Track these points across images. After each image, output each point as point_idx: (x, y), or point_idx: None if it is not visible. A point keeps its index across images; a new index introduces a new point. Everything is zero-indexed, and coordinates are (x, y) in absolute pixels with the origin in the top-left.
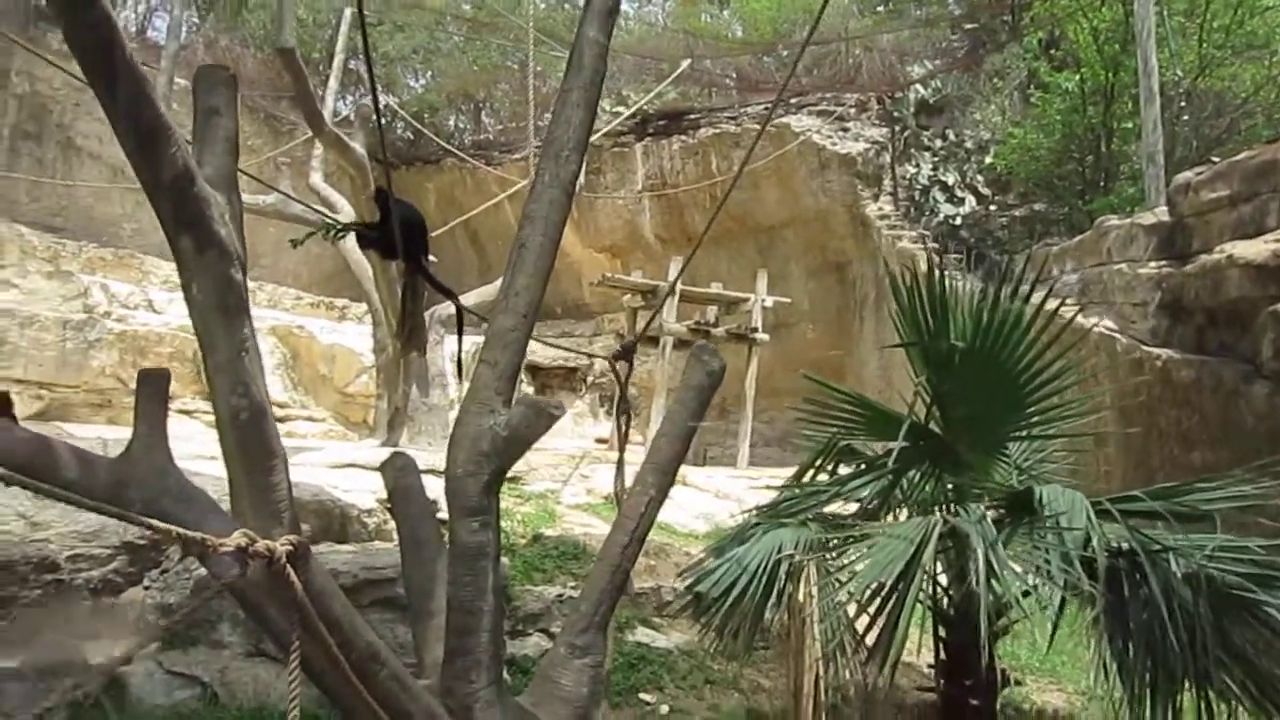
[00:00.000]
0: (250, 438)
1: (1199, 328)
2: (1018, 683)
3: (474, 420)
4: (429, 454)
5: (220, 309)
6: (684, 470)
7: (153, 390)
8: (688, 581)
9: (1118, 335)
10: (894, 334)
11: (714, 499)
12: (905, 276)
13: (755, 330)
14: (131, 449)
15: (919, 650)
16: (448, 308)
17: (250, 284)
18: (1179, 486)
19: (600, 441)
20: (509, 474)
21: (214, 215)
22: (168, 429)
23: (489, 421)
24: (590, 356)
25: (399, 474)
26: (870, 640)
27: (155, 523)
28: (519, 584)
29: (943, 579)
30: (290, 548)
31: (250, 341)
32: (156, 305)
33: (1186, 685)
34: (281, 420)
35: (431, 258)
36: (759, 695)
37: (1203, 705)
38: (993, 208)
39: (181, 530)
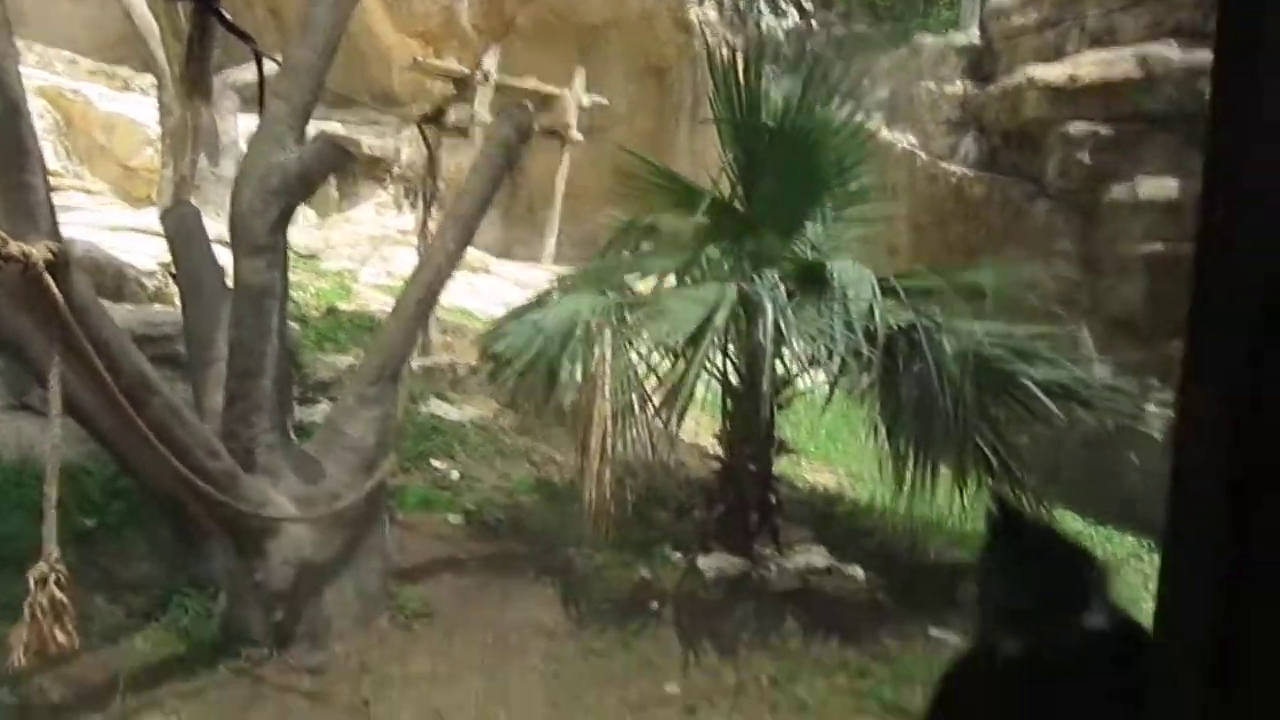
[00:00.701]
0: (2, 132)
1: (995, 148)
2: (793, 451)
3: (263, 155)
4: (218, 224)
5: None
6: (487, 259)
7: None
8: (486, 343)
9: (919, 151)
10: (711, 143)
11: (515, 288)
12: (726, 56)
13: (569, 128)
14: None
15: (704, 434)
16: (243, 73)
17: (18, 43)
18: (960, 266)
19: (403, 234)
20: (305, 251)
21: None
22: None
23: (280, 156)
24: (399, 119)
25: (180, 220)
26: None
27: None
28: (310, 352)
29: (733, 354)
30: (50, 255)
31: (2, 13)
32: None
33: (945, 454)
34: (52, 190)
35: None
36: (550, 467)
37: (957, 472)
38: (814, 23)
39: None
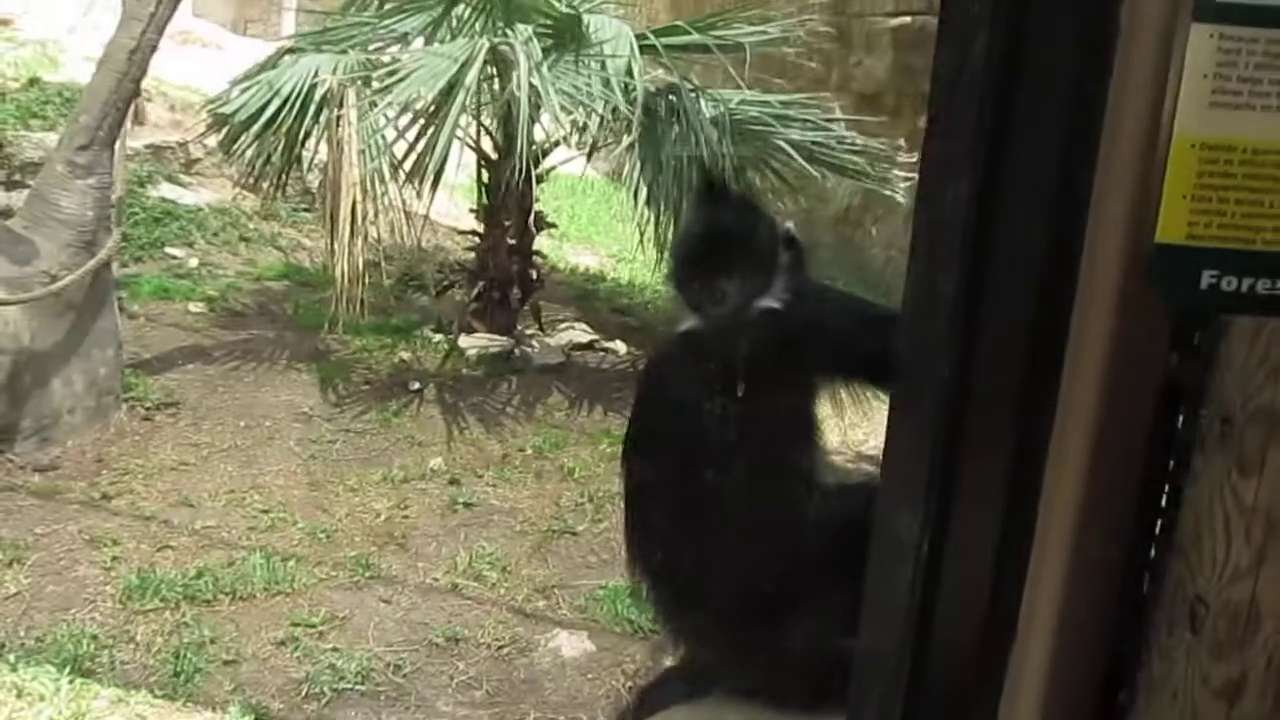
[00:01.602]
0: None
1: None
2: (553, 226)
3: None
4: None
5: None
6: (220, 37)
7: None
8: (214, 107)
9: None
10: None
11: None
12: None
13: None
14: None
15: (462, 217)
16: None
17: None
18: (718, 20)
19: None
20: None
21: None
22: None
23: None
24: None
25: None
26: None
27: None
28: (13, 130)
29: (488, 122)
30: None
31: None
32: None
33: None
34: None
35: None
36: (299, 253)
37: None
38: None
39: None
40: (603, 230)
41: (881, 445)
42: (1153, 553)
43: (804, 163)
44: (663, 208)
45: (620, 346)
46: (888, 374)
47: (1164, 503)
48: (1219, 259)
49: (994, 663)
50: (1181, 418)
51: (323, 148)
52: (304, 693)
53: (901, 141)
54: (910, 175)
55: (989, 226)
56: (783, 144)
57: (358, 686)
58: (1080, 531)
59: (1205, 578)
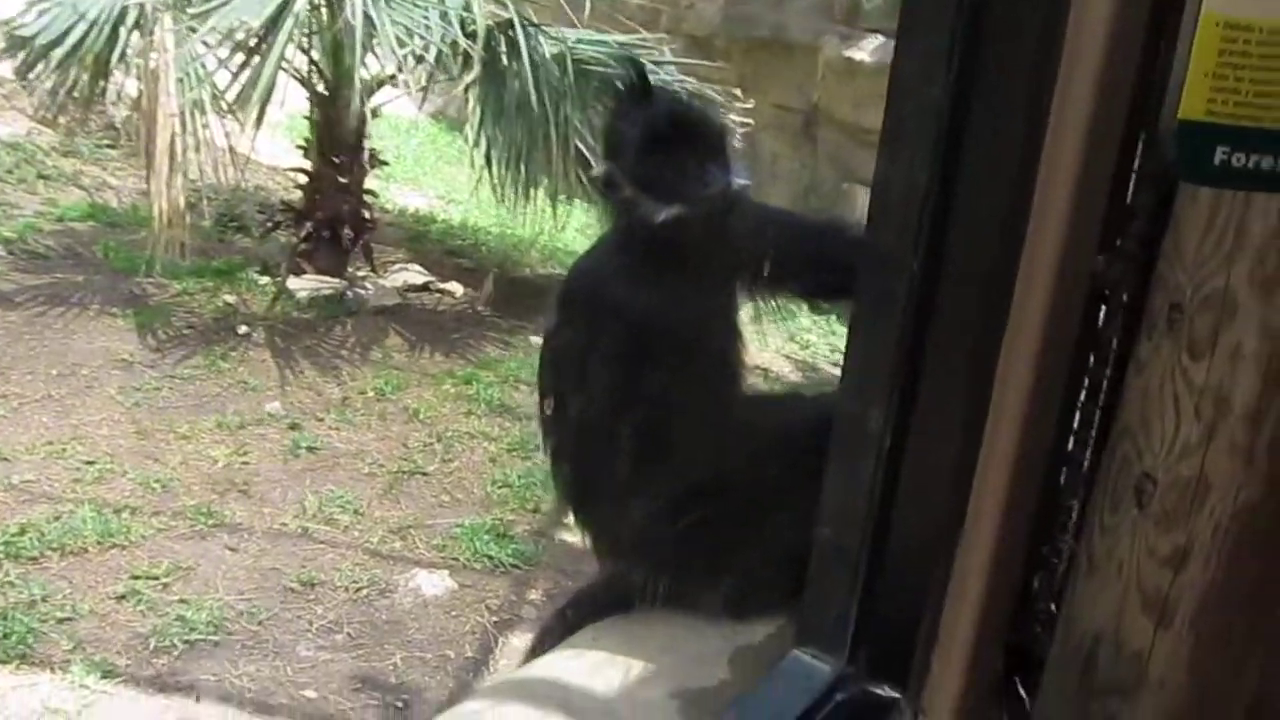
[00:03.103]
0: None
1: None
2: (386, 164)
3: None
4: None
5: None
6: None
7: None
8: (10, 30)
9: None
10: None
11: None
12: None
13: None
14: None
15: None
16: None
17: None
18: None
19: None
20: None
21: None
22: None
23: None
24: None
25: None
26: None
27: None
28: None
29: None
30: None
31: None
32: None
33: (545, 162)
34: None
35: None
36: (106, 193)
37: (562, 170)
38: None
39: None
40: (430, 171)
41: None
42: (1077, 438)
43: None
44: (504, 149)
45: (457, 288)
46: (824, 279)
47: (1101, 390)
48: (1232, 136)
49: (946, 549)
50: (1105, 310)
51: (130, 81)
52: (152, 646)
53: (737, 91)
54: (744, 123)
55: (962, 123)
56: (621, 86)
57: (210, 637)
58: (1027, 421)
59: (1154, 455)
